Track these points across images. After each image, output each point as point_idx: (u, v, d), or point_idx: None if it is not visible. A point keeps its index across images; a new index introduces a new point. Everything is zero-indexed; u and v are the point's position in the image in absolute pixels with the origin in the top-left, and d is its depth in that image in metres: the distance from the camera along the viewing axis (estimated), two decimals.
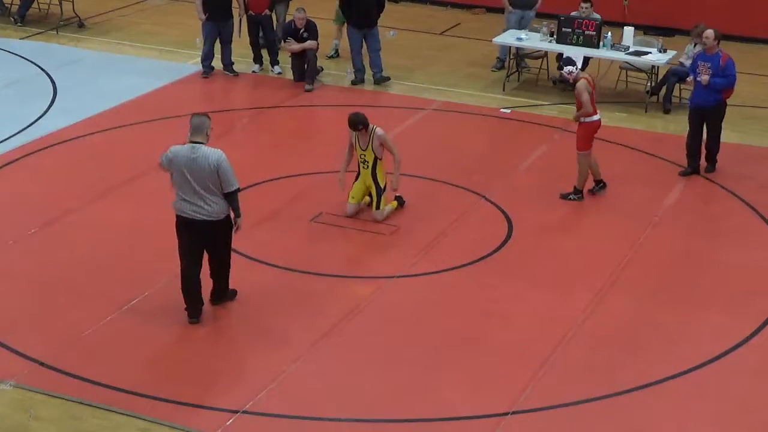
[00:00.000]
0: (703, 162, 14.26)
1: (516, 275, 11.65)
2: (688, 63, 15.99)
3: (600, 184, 13.53)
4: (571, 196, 13.30)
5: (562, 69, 13.31)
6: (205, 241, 10.43)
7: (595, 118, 13.13)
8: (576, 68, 13.22)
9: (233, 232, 10.51)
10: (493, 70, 18.05)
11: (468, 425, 9.24)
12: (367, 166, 12.54)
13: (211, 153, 10.12)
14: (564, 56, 13.44)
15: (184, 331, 10.50)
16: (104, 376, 9.62)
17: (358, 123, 12.40)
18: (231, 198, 10.25)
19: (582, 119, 13.11)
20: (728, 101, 14.18)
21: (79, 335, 10.24)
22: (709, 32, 13.92)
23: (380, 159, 12.55)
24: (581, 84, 13.00)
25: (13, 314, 10.59)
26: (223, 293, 10.84)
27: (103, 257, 11.62)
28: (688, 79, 14.44)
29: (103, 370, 9.71)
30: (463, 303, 11.12)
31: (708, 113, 14.05)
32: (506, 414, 9.31)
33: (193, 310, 10.54)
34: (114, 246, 11.89)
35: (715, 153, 14.30)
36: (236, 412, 9.23)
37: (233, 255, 11.61)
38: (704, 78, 13.77)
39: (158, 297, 10.90)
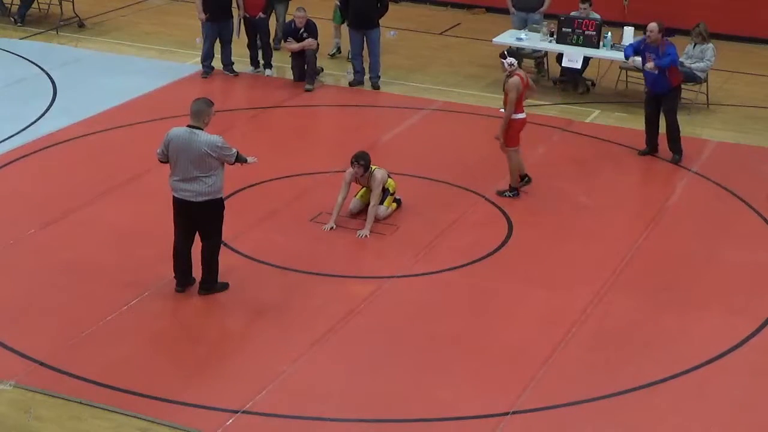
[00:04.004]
0: (668, 153, 14.63)
1: (516, 275, 11.66)
2: (687, 63, 16.04)
3: (526, 179, 13.48)
4: (506, 194, 13.34)
5: (504, 58, 13.18)
6: (193, 221, 10.71)
7: (521, 116, 13.17)
8: (515, 64, 13.17)
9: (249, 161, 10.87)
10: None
11: (468, 425, 9.24)
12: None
13: (206, 137, 10.43)
14: (507, 49, 13.51)
15: (184, 331, 10.52)
16: (104, 376, 9.62)
17: (360, 159, 12.31)
18: (236, 161, 10.62)
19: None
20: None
21: (79, 335, 10.24)
22: (653, 25, 14.40)
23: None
24: (515, 81, 13.04)
25: (14, 314, 10.59)
26: (207, 284, 10.91)
27: (103, 257, 11.62)
28: (642, 63, 14.74)
29: (103, 370, 9.71)
30: (462, 303, 11.12)
31: (662, 100, 14.50)
32: (506, 414, 9.32)
33: (180, 281, 10.93)
34: (114, 246, 11.88)
35: (676, 141, 14.61)
36: (236, 412, 9.23)
37: (234, 254, 11.68)
38: (649, 65, 14.29)
39: (158, 297, 10.90)
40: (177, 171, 10.53)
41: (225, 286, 11.02)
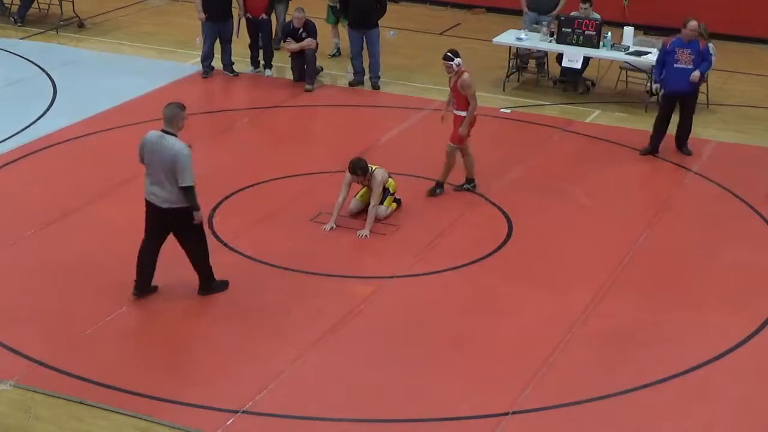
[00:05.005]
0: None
1: (516, 275, 11.65)
2: None
3: (472, 183, 13.54)
4: (465, 186, 13.40)
5: (451, 60, 13.13)
6: (164, 226, 10.61)
7: (463, 113, 13.23)
8: (461, 63, 13.15)
9: (194, 221, 10.52)
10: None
11: (468, 425, 9.24)
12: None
13: (174, 145, 10.29)
14: (450, 50, 13.47)
15: (184, 331, 10.51)
16: (104, 376, 9.62)
17: (358, 168, 12.37)
18: (184, 193, 10.33)
19: (458, 113, 13.17)
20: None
21: (79, 335, 10.24)
22: (695, 23, 14.48)
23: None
24: (469, 77, 13.08)
25: (13, 314, 10.59)
26: (206, 284, 10.88)
27: (103, 257, 11.62)
28: (655, 86, 14.77)
29: (103, 370, 9.71)
30: (462, 303, 11.12)
31: (684, 98, 14.61)
32: (506, 414, 9.32)
33: (138, 284, 10.78)
34: (114, 246, 11.88)
35: (688, 135, 14.81)
36: (236, 412, 9.23)
37: (234, 254, 11.69)
38: (695, 75, 14.30)
39: (158, 297, 10.89)
40: (148, 174, 10.48)
41: (224, 285, 11.00)
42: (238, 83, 17.37)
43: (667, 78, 14.58)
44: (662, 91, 14.79)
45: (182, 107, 10.52)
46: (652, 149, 14.73)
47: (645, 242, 12.39)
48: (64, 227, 12.34)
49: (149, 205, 10.57)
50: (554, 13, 17.79)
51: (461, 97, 13.13)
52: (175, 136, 10.36)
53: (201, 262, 10.83)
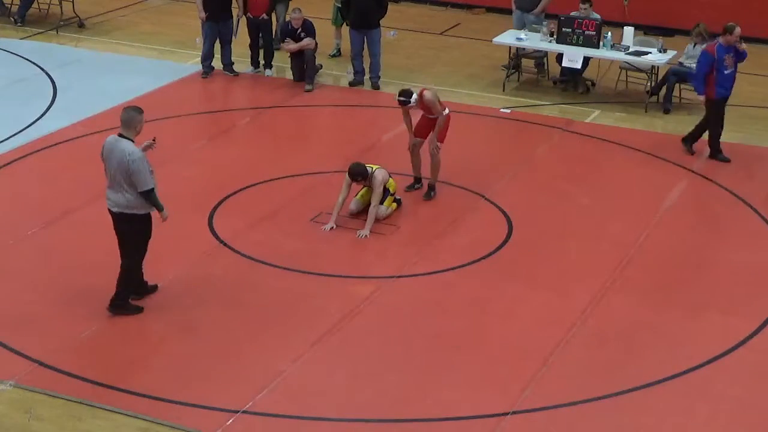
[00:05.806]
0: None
1: (516, 275, 11.65)
2: (687, 63, 16.05)
3: (420, 183, 13.56)
4: (432, 193, 13.34)
5: (408, 102, 13.06)
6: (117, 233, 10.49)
7: (448, 110, 13.30)
8: (415, 96, 13.12)
9: (162, 221, 10.42)
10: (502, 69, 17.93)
11: (468, 425, 9.25)
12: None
13: (127, 150, 10.11)
14: (403, 90, 13.42)
15: (184, 331, 10.50)
16: (104, 376, 9.62)
17: (357, 175, 12.39)
18: (146, 197, 10.21)
19: (431, 116, 13.19)
20: (730, 101, 14.56)
21: (79, 335, 10.24)
22: (740, 30, 14.74)
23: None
24: (432, 94, 13.12)
25: (13, 314, 10.59)
26: (117, 299, 10.54)
27: (102, 257, 11.59)
28: (701, 98, 14.76)
29: (103, 370, 9.72)
30: (463, 303, 11.12)
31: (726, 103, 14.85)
32: (506, 414, 9.32)
33: (135, 289, 10.68)
34: (114, 246, 11.83)
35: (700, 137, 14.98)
36: (236, 412, 9.23)
37: (234, 254, 11.68)
38: (743, 46, 14.67)
39: (158, 297, 10.89)
40: (107, 179, 10.36)
41: (137, 310, 10.63)
42: (238, 83, 17.37)
43: (720, 84, 14.55)
44: (703, 97, 14.59)
45: (140, 111, 10.33)
46: (716, 153, 14.75)
47: (645, 242, 12.39)
48: (64, 227, 12.34)
49: (109, 212, 10.44)
50: (536, 11, 17.81)
51: (431, 111, 13.16)
52: (131, 140, 10.18)
53: (122, 277, 10.52)
